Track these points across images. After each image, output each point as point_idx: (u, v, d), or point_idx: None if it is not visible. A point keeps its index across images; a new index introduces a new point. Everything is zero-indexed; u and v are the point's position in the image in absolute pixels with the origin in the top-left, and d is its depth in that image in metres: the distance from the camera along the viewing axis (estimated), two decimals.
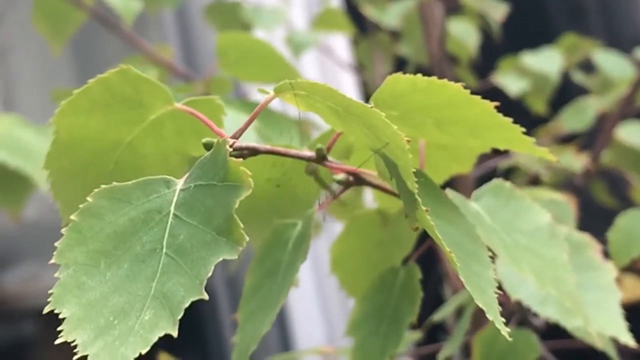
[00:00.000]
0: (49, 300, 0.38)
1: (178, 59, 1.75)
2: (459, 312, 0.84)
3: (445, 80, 0.47)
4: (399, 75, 0.47)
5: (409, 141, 0.41)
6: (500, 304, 0.59)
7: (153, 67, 0.99)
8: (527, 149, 0.51)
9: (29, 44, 1.70)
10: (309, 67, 1.80)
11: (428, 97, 0.48)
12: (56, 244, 0.40)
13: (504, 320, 0.44)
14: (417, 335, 0.91)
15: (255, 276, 0.54)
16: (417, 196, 0.43)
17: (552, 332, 0.73)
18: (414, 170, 0.44)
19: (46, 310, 0.37)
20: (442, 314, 0.83)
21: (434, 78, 0.47)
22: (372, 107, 0.42)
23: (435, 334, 1.10)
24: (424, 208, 0.43)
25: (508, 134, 0.49)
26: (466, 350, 0.87)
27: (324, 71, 1.83)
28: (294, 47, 1.28)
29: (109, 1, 0.96)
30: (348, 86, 1.83)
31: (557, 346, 0.84)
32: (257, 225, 0.59)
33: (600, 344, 0.62)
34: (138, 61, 1.04)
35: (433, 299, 1.15)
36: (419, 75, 0.47)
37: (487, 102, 0.47)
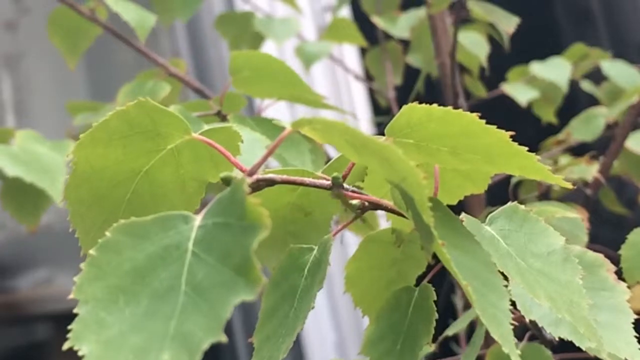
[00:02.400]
0: (68, 336, 0.38)
1: (190, 68, 1.76)
2: (471, 324, 0.84)
3: (460, 110, 0.47)
4: (415, 105, 0.48)
5: (425, 177, 0.41)
6: (515, 319, 0.60)
7: (167, 82, 0.99)
8: (542, 177, 0.51)
9: (41, 51, 1.70)
10: (321, 77, 1.80)
11: (444, 126, 0.48)
12: (75, 278, 0.40)
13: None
14: (429, 349, 0.91)
15: (271, 300, 0.55)
16: (433, 230, 0.43)
17: (565, 344, 0.73)
18: (431, 200, 0.44)
19: (66, 346, 0.38)
20: (455, 328, 0.83)
21: (449, 108, 0.47)
22: (388, 143, 0.42)
23: (447, 345, 1.10)
24: (440, 242, 0.43)
25: (523, 162, 0.50)
26: None
27: (336, 80, 1.84)
28: (305, 57, 1.28)
29: (124, 15, 0.96)
30: (359, 95, 1.83)
31: (570, 358, 0.84)
32: (272, 247, 0.60)
33: None
34: (152, 75, 1.04)
35: (444, 308, 1.16)
36: (435, 105, 0.47)
37: (502, 131, 0.48)
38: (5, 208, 1.00)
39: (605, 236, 0.80)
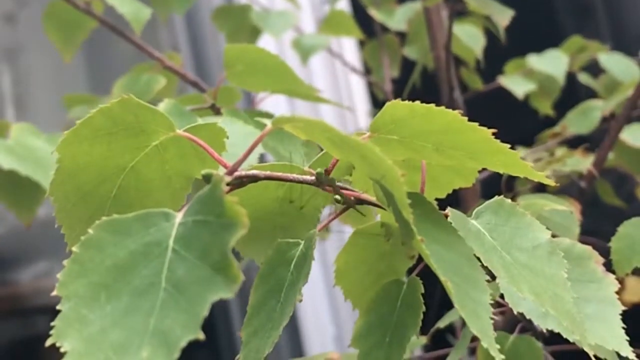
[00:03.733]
0: (51, 333, 0.39)
1: (189, 61, 1.76)
2: None
3: (443, 108, 0.47)
4: (398, 101, 0.48)
5: (403, 175, 0.42)
6: (505, 312, 0.60)
7: (163, 75, 0.99)
8: (524, 173, 0.51)
9: (41, 44, 1.71)
10: (319, 70, 1.80)
11: (427, 122, 0.49)
12: (58, 275, 0.40)
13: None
14: (421, 340, 0.92)
15: (259, 294, 0.55)
16: (412, 226, 0.43)
17: (556, 336, 0.73)
18: (412, 196, 0.44)
19: (48, 343, 0.38)
20: (447, 320, 0.84)
21: (432, 105, 0.48)
22: (366, 141, 0.43)
23: (444, 336, 1.11)
24: (419, 238, 0.43)
25: (506, 159, 0.50)
26: (474, 352, 0.87)
27: (335, 73, 1.84)
28: (302, 50, 1.28)
29: (119, 8, 0.97)
30: (358, 88, 1.83)
31: (561, 349, 0.85)
32: (261, 241, 0.60)
33: (601, 354, 0.63)
34: (147, 68, 1.04)
35: (441, 300, 1.16)
36: (417, 102, 0.48)
37: (484, 128, 0.48)
38: (0, 201, 1.01)
39: (606, 229, 0.80)
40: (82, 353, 0.38)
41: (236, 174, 0.46)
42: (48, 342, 0.38)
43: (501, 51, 1.30)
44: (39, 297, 1.69)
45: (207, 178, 0.44)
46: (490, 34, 1.32)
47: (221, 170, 0.47)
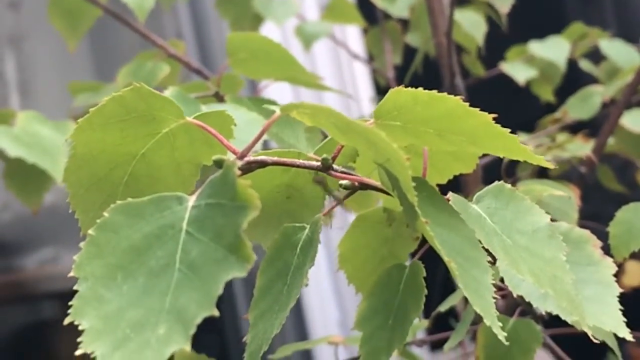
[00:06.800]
0: (69, 312, 0.40)
1: (193, 48, 1.77)
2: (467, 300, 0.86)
3: (444, 94, 0.49)
4: (401, 88, 0.49)
5: (408, 159, 0.43)
6: (505, 295, 0.61)
7: (166, 62, 1.00)
8: (524, 157, 0.52)
9: (45, 31, 1.72)
10: (323, 57, 1.81)
11: (429, 109, 0.50)
12: (75, 257, 0.42)
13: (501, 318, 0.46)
14: (424, 323, 0.93)
15: (265, 277, 0.56)
16: (417, 208, 0.45)
17: (556, 319, 0.74)
18: (416, 180, 0.46)
19: (67, 321, 0.40)
20: (448, 304, 0.85)
21: (434, 92, 0.49)
22: (372, 126, 0.44)
23: (446, 319, 1.12)
24: (423, 220, 0.45)
25: (506, 143, 0.51)
26: (475, 335, 0.88)
27: (338, 60, 1.84)
28: (304, 37, 1.29)
29: None
30: (362, 74, 1.84)
31: (560, 332, 0.86)
32: (268, 225, 0.61)
33: (599, 335, 0.64)
34: (151, 56, 1.05)
35: (444, 284, 1.17)
36: (420, 89, 0.49)
37: (485, 114, 0.49)
38: (8, 188, 1.02)
39: (611, 212, 0.81)
40: (100, 330, 0.39)
41: (246, 159, 0.47)
42: (66, 321, 0.40)
43: (503, 37, 1.31)
44: (44, 283, 1.71)
45: (219, 163, 0.45)
46: (492, 20, 1.33)
47: (230, 156, 0.49)
